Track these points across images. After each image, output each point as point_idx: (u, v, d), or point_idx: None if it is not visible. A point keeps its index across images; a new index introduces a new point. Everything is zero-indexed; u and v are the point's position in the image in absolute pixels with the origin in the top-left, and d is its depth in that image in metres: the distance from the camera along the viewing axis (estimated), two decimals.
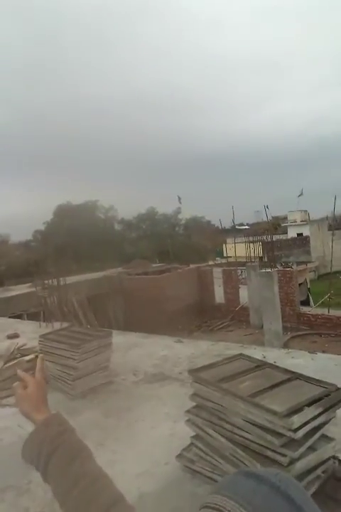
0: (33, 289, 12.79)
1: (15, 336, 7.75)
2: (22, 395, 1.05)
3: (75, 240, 31.24)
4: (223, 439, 2.89)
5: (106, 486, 0.90)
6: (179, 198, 33.06)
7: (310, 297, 17.54)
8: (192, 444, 3.19)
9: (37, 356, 5.58)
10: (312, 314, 13.50)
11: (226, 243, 24.46)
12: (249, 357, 3.61)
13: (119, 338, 7.18)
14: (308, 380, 3.07)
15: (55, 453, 0.92)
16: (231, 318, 15.48)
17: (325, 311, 13.82)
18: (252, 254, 16.94)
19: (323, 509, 1.98)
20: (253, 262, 16.21)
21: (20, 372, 1.12)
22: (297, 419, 2.52)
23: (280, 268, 15.49)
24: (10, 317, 11.01)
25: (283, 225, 35.59)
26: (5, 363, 5.57)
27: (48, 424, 0.98)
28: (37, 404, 1.04)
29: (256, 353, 5.45)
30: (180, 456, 3.23)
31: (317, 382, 3.00)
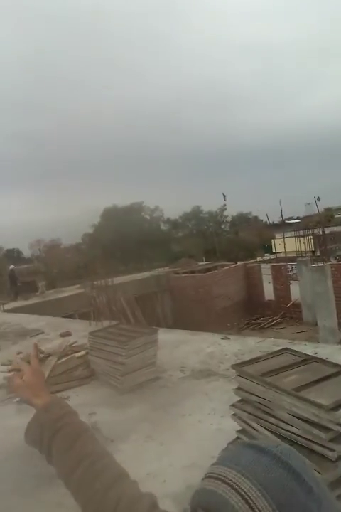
0: (83, 290, 13.31)
1: (68, 334, 8.13)
2: (19, 383, 1.06)
3: (122, 242, 32.03)
4: (268, 433, 2.85)
5: (109, 464, 0.92)
6: (224, 195, 32.73)
7: None
8: (237, 438, 3.17)
9: (87, 353, 5.83)
10: None
11: (274, 238, 23.82)
12: (295, 351, 3.52)
13: (167, 336, 7.28)
14: None
15: (57, 435, 0.95)
16: (282, 315, 15.07)
17: None
18: (303, 249, 16.37)
19: None
20: (305, 256, 15.65)
21: (15, 361, 1.19)
22: None
23: (333, 262, 14.81)
24: (62, 317, 11.55)
25: (336, 216, 34.00)
26: (58, 359, 5.86)
27: (49, 409, 1.00)
28: (35, 390, 1.04)
29: (307, 349, 5.29)
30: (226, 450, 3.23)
31: None
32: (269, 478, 0.57)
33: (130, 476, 0.93)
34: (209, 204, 41.57)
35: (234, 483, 0.58)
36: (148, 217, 40.62)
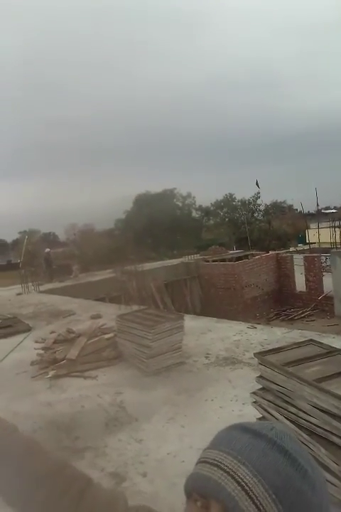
0: (114, 275, 13.60)
1: (98, 316, 8.39)
2: None
3: (154, 228, 32.24)
4: (288, 422, 2.87)
5: (72, 475, 0.85)
6: (257, 183, 32.01)
7: None
8: None
9: (115, 335, 6.02)
10: None
11: (308, 228, 23.22)
12: (320, 343, 3.49)
13: (194, 323, 7.36)
14: None
15: (2, 461, 0.84)
16: (313, 307, 14.75)
17: None
18: (338, 240, 15.88)
19: None
20: (339, 247, 15.19)
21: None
22: None
23: None
24: (94, 300, 11.88)
25: None
26: (88, 340, 6.08)
27: None
28: None
29: (335, 342, 5.19)
30: None
31: None
32: (265, 463, 0.56)
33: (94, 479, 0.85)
34: (243, 192, 40.99)
35: (230, 469, 0.57)
36: (180, 204, 40.54)
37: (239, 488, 0.55)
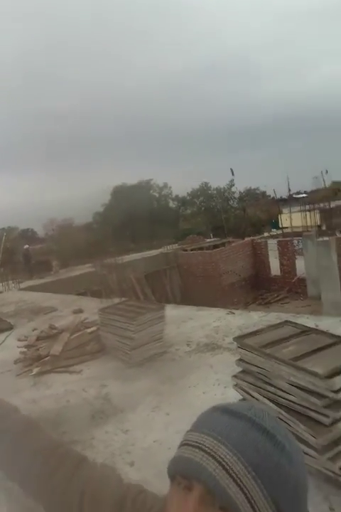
0: (94, 269, 13.55)
1: (80, 311, 8.39)
2: None
3: (132, 220, 32.13)
4: (268, 402, 3.02)
5: (66, 452, 0.90)
6: (232, 171, 32.39)
7: None
8: None
9: (98, 329, 6.06)
10: None
11: (281, 214, 23.70)
12: (295, 323, 3.65)
13: (174, 312, 7.46)
14: None
15: (1, 439, 0.91)
16: (287, 290, 15.18)
17: None
18: (309, 224, 16.32)
19: None
20: (310, 231, 15.63)
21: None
22: (339, 381, 2.57)
23: (339, 236, 14.78)
24: (75, 295, 11.84)
25: None
26: (70, 335, 6.10)
27: None
28: None
29: (309, 322, 5.41)
30: None
31: None
32: (244, 442, 0.58)
33: (90, 458, 0.92)
34: (217, 180, 41.31)
35: (211, 450, 0.59)
36: (156, 194, 40.53)
37: (219, 467, 0.57)
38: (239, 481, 0.56)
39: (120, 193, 37.55)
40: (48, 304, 10.24)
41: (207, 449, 0.59)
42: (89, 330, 6.30)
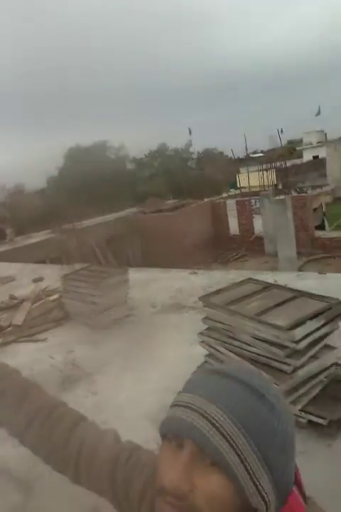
0: (53, 235, 13.17)
1: (40, 279, 8.18)
2: None
3: (88, 183, 31.21)
4: (233, 355, 3.16)
5: (65, 411, 0.93)
6: (190, 130, 32.06)
7: (326, 221, 17.41)
8: (206, 362, 3.49)
9: (61, 296, 5.97)
10: (326, 238, 13.51)
11: (239, 173, 24.01)
12: (257, 280, 3.80)
13: (137, 275, 7.47)
14: (312, 296, 3.25)
15: (2, 397, 0.94)
16: (246, 248, 15.64)
17: (340, 233, 13.82)
18: (266, 183, 16.69)
19: (324, 407, 2.23)
20: (267, 190, 16.02)
21: None
22: (299, 332, 2.73)
23: (294, 194, 15.29)
24: (34, 263, 11.49)
25: (298, 148, 34.33)
26: (32, 304, 5.97)
27: None
28: None
29: (268, 278, 5.63)
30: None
31: (321, 297, 3.17)
32: (234, 401, 0.60)
33: (88, 418, 0.96)
34: (175, 141, 40.87)
35: (201, 409, 0.60)
36: (113, 156, 39.42)
37: (210, 425, 0.58)
38: (229, 438, 0.58)
39: (74, 156, 36.16)
40: (6, 274, 9.87)
41: (197, 408, 0.60)
42: (51, 298, 6.20)
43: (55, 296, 6.11)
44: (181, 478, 0.58)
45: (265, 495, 0.59)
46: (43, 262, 12.19)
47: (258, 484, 0.58)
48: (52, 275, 8.35)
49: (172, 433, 0.63)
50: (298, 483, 0.65)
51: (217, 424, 0.58)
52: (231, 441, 0.58)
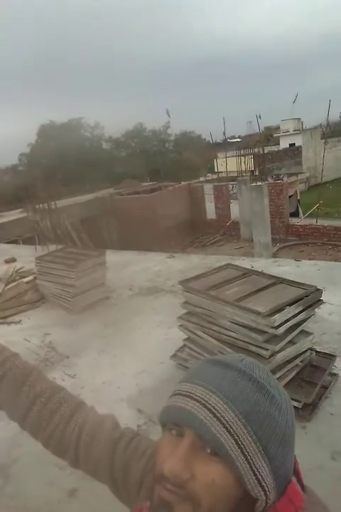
0: (25, 214, 12.79)
1: (13, 260, 7.96)
2: None
3: (63, 162, 30.39)
4: (212, 339, 3.20)
5: (64, 397, 0.93)
6: (168, 112, 31.61)
7: (300, 208, 17.76)
8: (184, 345, 3.52)
9: (35, 278, 5.83)
10: (300, 225, 13.78)
11: (217, 158, 24.01)
12: (237, 266, 3.83)
13: (114, 257, 7.41)
14: (290, 283, 3.31)
15: (2, 382, 0.94)
16: (222, 233, 15.75)
17: (313, 221, 14.12)
18: (243, 168, 16.78)
19: (299, 390, 2.29)
20: (245, 176, 16.12)
21: None
22: (278, 318, 2.78)
23: (270, 181, 15.46)
24: (5, 243, 11.15)
25: (275, 135, 34.63)
26: (5, 285, 5.81)
27: None
28: None
29: (245, 263, 5.70)
30: (174, 356, 3.57)
31: (299, 284, 3.24)
32: (235, 392, 0.60)
33: (78, 396, 0.97)
34: (153, 121, 40.31)
35: (202, 398, 0.60)
36: (88, 134, 38.47)
37: (210, 415, 0.58)
38: (229, 427, 0.58)
39: (48, 132, 35.05)
40: None
41: (198, 397, 0.60)
42: (25, 279, 6.06)
43: (29, 278, 5.98)
44: (181, 466, 0.58)
45: (264, 485, 0.59)
46: (16, 242, 11.87)
47: (257, 474, 0.58)
48: (26, 256, 8.15)
49: (172, 421, 0.62)
50: (297, 473, 0.65)
51: (218, 414, 0.58)
52: (232, 431, 0.58)
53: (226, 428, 0.58)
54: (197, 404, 0.60)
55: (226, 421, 0.58)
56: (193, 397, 0.61)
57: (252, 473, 0.58)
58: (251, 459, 0.58)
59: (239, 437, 0.58)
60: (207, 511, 0.58)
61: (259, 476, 0.58)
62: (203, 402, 0.60)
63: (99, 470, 0.85)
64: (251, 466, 0.58)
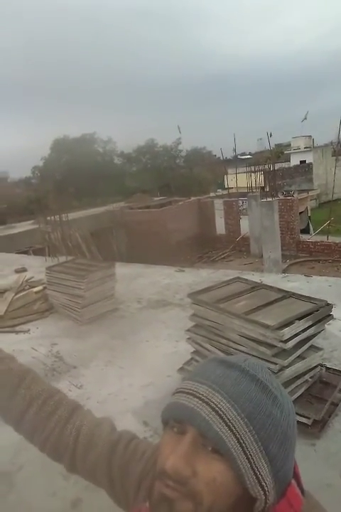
0: (36, 226, 12.96)
1: (23, 270, 8.03)
2: None
3: (75, 176, 30.83)
4: (220, 353, 3.16)
5: (61, 399, 0.93)
6: (179, 128, 32.00)
7: (310, 225, 17.68)
8: (192, 358, 3.48)
9: (45, 288, 5.87)
10: (311, 242, 13.72)
11: (227, 174, 24.12)
12: (246, 280, 3.81)
13: (123, 270, 7.43)
14: (300, 297, 3.28)
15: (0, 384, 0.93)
16: (232, 248, 15.73)
17: (324, 238, 14.04)
18: (254, 185, 16.81)
19: (308, 407, 2.24)
20: (255, 192, 16.14)
21: None
22: (288, 332, 2.74)
23: (281, 197, 15.45)
24: (16, 253, 11.28)
25: (286, 152, 34.73)
26: (15, 294, 5.85)
27: None
28: None
29: (254, 278, 5.65)
30: (181, 369, 3.54)
31: (309, 299, 3.21)
32: (238, 391, 0.60)
33: (84, 406, 0.96)
34: (164, 137, 40.83)
35: (205, 396, 0.60)
36: (100, 149, 39.05)
37: (213, 413, 0.59)
38: (231, 426, 0.58)
39: (61, 147, 35.69)
40: None
41: (201, 396, 0.61)
42: (35, 289, 6.09)
43: (39, 288, 6.01)
44: (182, 463, 0.58)
45: (264, 484, 0.59)
46: (26, 252, 12.00)
47: (258, 474, 0.58)
48: (36, 266, 8.22)
49: (174, 419, 0.63)
50: (297, 477, 0.65)
51: (220, 412, 0.59)
52: (234, 430, 0.58)
53: (229, 426, 0.58)
54: (200, 402, 0.60)
55: (228, 419, 0.58)
56: (196, 394, 0.61)
57: (252, 472, 0.58)
58: (252, 458, 0.58)
59: (240, 436, 0.58)
60: (207, 509, 0.59)
61: (259, 476, 0.59)
62: (206, 400, 0.60)
63: (97, 473, 0.84)
64: (251, 466, 0.58)
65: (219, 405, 0.59)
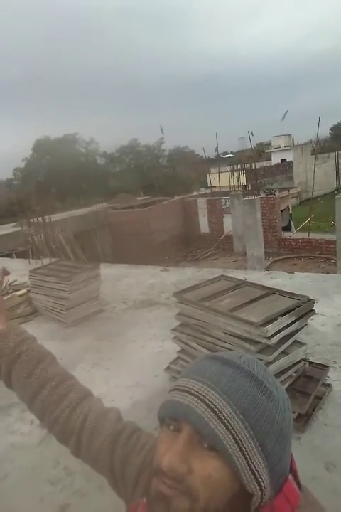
0: (19, 228, 12.77)
1: (6, 273, 7.91)
2: None
3: (57, 177, 30.47)
4: (205, 351, 3.19)
5: (73, 385, 0.96)
6: (161, 128, 32.06)
7: (292, 223, 17.96)
8: (178, 357, 3.50)
9: (28, 291, 5.80)
10: (292, 239, 13.95)
11: (210, 173, 24.26)
12: (230, 277, 3.85)
13: (108, 270, 7.40)
14: (283, 294, 3.33)
15: (17, 362, 0.96)
16: (215, 247, 15.84)
17: (305, 235, 14.30)
18: (236, 183, 16.94)
19: (293, 401, 2.30)
20: (237, 190, 16.29)
21: None
22: (271, 328, 2.79)
23: (263, 195, 15.65)
24: None
25: (267, 151, 35.11)
26: None
27: (6, 335, 0.99)
28: None
29: (238, 276, 5.69)
30: (168, 368, 3.56)
31: (292, 295, 3.27)
32: (233, 387, 0.60)
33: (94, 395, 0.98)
34: (147, 137, 40.79)
35: (200, 394, 0.60)
36: (83, 150, 38.72)
37: (208, 409, 0.59)
38: (227, 422, 0.58)
39: (43, 147, 35.22)
40: None
41: (196, 393, 0.61)
42: (19, 292, 6.01)
43: (22, 291, 5.94)
44: (178, 460, 0.59)
45: (260, 480, 0.59)
46: (9, 255, 11.82)
47: (254, 469, 0.59)
48: (19, 269, 8.12)
49: (170, 416, 0.63)
50: (294, 472, 0.66)
51: (216, 409, 0.59)
52: (229, 426, 0.58)
53: (224, 423, 0.58)
54: (195, 399, 0.60)
55: (224, 416, 0.58)
56: (191, 392, 0.61)
57: (249, 468, 0.59)
58: (248, 455, 0.58)
59: (236, 432, 0.58)
60: (203, 505, 0.59)
61: (255, 472, 0.59)
62: (201, 397, 0.60)
63: (99, 460, 0.86)
64: (247, 462, 0.58)
65: (214, 402, 0.59)
